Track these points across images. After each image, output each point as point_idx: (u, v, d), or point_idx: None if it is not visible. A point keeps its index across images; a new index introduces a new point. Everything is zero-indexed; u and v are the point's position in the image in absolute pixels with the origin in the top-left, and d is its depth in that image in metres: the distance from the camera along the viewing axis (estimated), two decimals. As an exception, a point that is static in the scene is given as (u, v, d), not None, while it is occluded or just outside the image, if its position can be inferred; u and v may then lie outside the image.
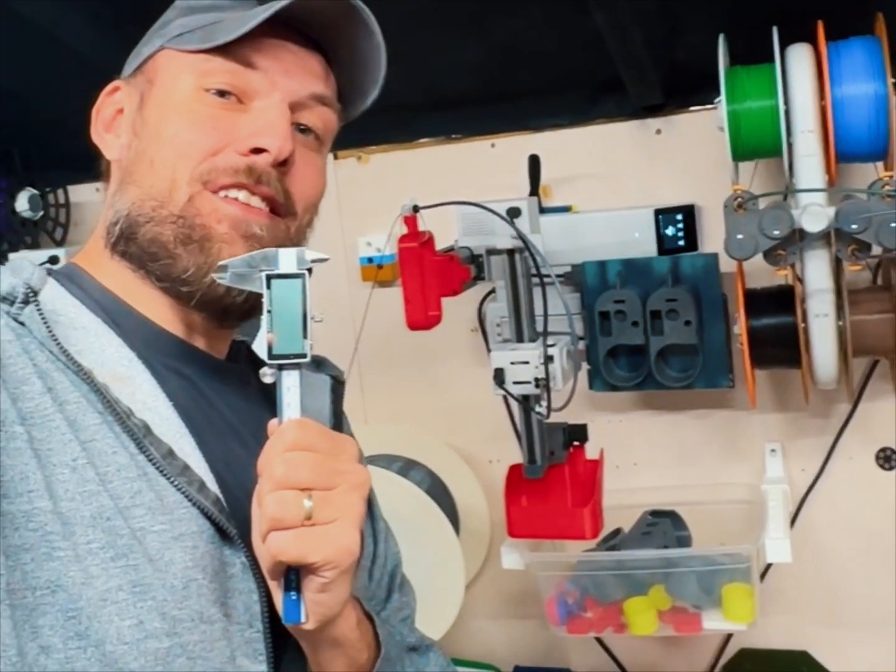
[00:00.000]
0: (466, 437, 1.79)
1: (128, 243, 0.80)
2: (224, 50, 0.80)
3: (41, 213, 1.78)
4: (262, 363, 0.90)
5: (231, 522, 0.74)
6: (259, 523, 0.68)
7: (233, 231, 0.78)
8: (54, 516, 0.67)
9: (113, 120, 0.85)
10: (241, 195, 0.79)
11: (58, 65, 1.62)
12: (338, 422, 0.89)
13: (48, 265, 0.83)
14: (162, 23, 0.86)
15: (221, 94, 0.80)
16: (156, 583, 0.68)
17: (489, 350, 1.66)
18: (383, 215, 1.39)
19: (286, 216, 0.81)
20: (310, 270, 0.71)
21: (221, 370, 0.85)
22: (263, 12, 0.78)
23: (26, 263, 0.79)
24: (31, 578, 0.66)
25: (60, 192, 1.84)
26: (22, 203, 1.75)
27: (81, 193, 1.90)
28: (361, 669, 0.79)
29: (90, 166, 1.99)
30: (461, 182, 1.69)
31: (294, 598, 0.69)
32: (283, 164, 0.79)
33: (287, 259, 0.71)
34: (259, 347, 0.71)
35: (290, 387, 0.71)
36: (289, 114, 0.80)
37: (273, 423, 0.71)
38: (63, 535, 0.67)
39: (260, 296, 0.72)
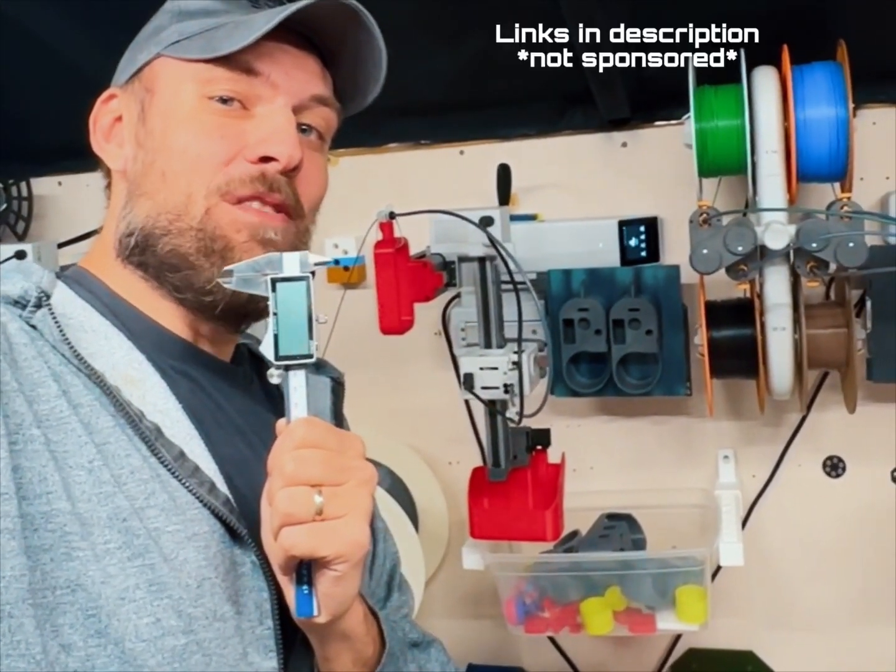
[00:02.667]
0: (427, 440, 1.82)
1: (144, 254, 0.81)
2: (224, 57, 0.80)
3: (3, 206, 1.76)
4: (262, 365, 0.92)
5: (241, 522, 0.75)
6: (270, 520, 0.70)
7: (251, 239, 0.79)
8: (73, 517, 0.68)
9: (111, 128, 0.85)
10: (255, 204, 0.80)
11: (24, 58, 1.60)
12: (339, 422, 0.91)
13: (55, 269, 0.83)
14: (155, 28, 0.85)
15: (224, 101, 0.81)
16: (171, 581, 0.70)
17: (452, 354, 1.69)
18: (351, 217, 1.40)
19: (296, 219, 0.83)
20: (313, 273, 0.73)
21: (227, 372, 0.87)
22: (266, 22, 0.78)
23: (35, 266, 0.80)
24: (51, 578, 0.67)
25: (23, 184, 1.82)
26: (-16, 195, 1.73)
27: (44, 186, 1.88)
28: (367, 663, 0.82)
29: (53, 160, 1.97)
30: (429, 187, 1.72)
31: (306, 592, 0.71)
32: (292, 170, 0.81)
33: (291, 263, 0.73)
34: (266, 349, 0.72)
35: (297, 387, 0.72)
36: (293, 118, 0.81)
37: (281, 422, 0.73)
38: (81, 536, 0.68)
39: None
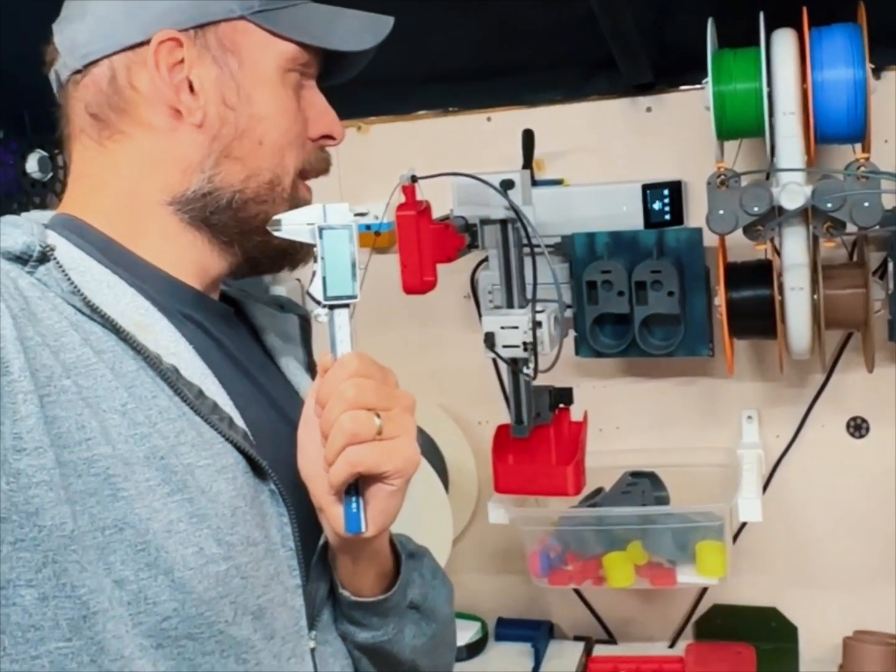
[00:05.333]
0: (457, 400, 1.86)
1: (223, 213, 0.85)
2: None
3: (50, 174, 1.82)
4: (238, 308, 0.97)
5: (260, 454, 0.81)
6: (329, 443, 0.75)
7: None
8: (115, 460, 0.72)
9: (172, 73, 0.83)
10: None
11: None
12: (310, 357, 0.99)
13: (40, 219, 0.83)
14: None
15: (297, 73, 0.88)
16: (210, 512, 0.75)
17: (481, 316, 1.73)
18: (381, 184, 1.44)
19: None
20: (354, 222, 0.80)
21: (225, 314, 0.92)
22: (363, 29, 0.91)
23: (22, 219, 0.80)
24: (99, 520, 0.71)
25: (67, 153, 1.89)
26: (32, 164, 1.80)
27: (88, 156, 1.95)
28: (387, 576, 0.89)
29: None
30: (457, 153, 1.76)
31: (355, 509, 0.77)
32: None
33: (335, 213, 0.80)
34: (315, 291, 0.79)
35: (342, 325, 0.79)
36: None
37: (328, 357, 0.79)
38: (124, 476, 0.72)
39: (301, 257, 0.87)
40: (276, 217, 0.80)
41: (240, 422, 0.81)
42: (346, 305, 0.79)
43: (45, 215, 0.85)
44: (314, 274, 0.79)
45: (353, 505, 0.77)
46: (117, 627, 0.71)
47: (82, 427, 0.72)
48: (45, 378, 0.71)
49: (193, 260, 0.87)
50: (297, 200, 0.87)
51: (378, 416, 0.75)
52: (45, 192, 1.84)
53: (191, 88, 0.83)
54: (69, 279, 0.77)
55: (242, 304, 0.98)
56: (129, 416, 0.74)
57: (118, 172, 0.85)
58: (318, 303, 0.79)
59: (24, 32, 1.63)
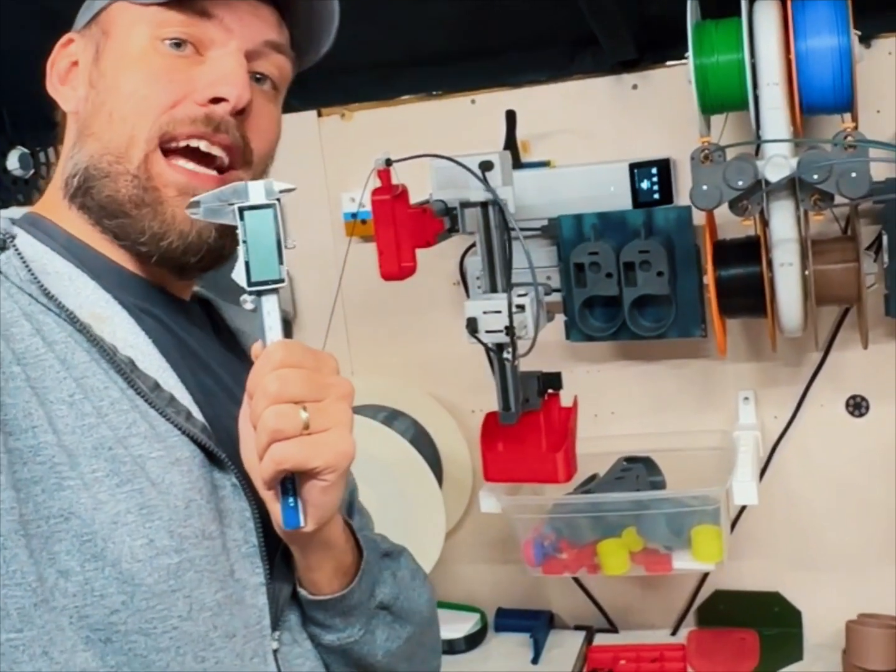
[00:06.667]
0: (449, 388, 1.84)
1: (85, 196, 0.82)
2: (178, 1, 0.81)
3: (32, 171, 1.81)
4: (210, 306, 0.94)
5: (220, 447, 0.78)
6: (256, 438, 0.72)
7: (180, 195, 0.80)
8: (59, 449, 0.71)
9: (68, 73, 0.86)
10: (202, 144, 0.81)
11: (48, 26, 1.64)
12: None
13: (13, 215, 0.84)
14: None
15: (177, 44, 0.82)
16: (160, 504, 0.73)
17: (470, 303, 1.71)
18: (366, 171, 1.41)
19: (242, 166, 0.84)
20: (278, 200, 0.75)
21: (185, 309, 0.90)
22: None
23: None
24: (44, 508, 0.70)
25: (51, 150, 1.88)
26: (13, 161, 1.79)
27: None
28: (347, 572, 0.85)
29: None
30: (442, 137, 1.71)
31: (292, 504, 0.74)
32: (240, 113, 0.82)
33: (256, 191, 0.75)
34: (238, 276, 0.75)
35: (270, 311, 0.75)
36: (245, 63, 0.82)
37: (257, 345, 0.75)
38: (70, 466, 0.71)
39: (213, 252, 0.80)
40: (193, 199, 0.76)
41: (198, 415, 0.79)
42: (275, 290, 0.75)
43: (18, 211, 0.86)
44: (238, 258, 0.75)
45: (290, 500, 0.74)
46: (59, 619, 0.70)
47: (29, 415, 0.71)
48: None
49: (127, 255, 0.84)
50: (146, 177, 0.80)
51: (305, 408, 0.71)
52: (27, 190, 1.83)
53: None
54: (27, 267, 0.77)
55: (217, 305, 0.97)
56: (76, 407, 0.73)
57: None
58: (243, 289, 0.75)
59: (1, 31, 1.62)
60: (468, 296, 1.74)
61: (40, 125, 1.85)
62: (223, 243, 0.82)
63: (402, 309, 1.82)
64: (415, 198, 1.38)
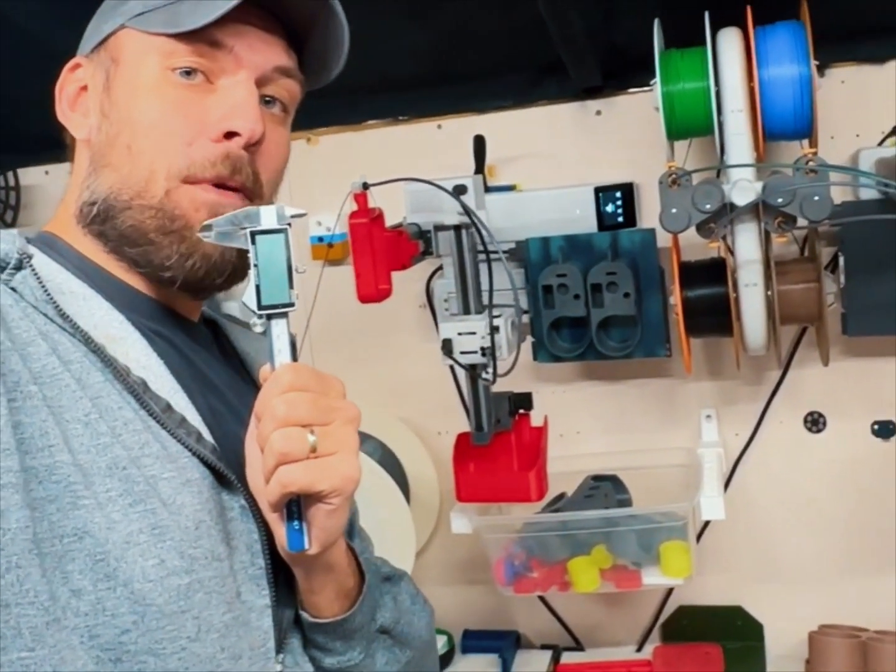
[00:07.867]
0: (416, 411, 1.85)
1: (104, 224, 0.83)
2: (188, 32, 0.81)
3: (-3, 194, 1.79)
4: (217, 328, 0.95)
5: (229, 469, 0.79)
6: (263, 461, 0.73)
7: (210, 216, 0.79)
8: (75, 468, 0.71)
9: (77, 97, 0.86)
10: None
11: (7, 45, 1.62)
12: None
13: (27, 234, 0.84)
14: None
15: (188, 73, 0.82)
16: (172, 525, 0.73)
17: (437, 325, 1.72)
18: (333, 195, 1.43)
19: (254, 199, 0.84)
20: (289, 225, 0.76)
21: (195, 331, 0.90)
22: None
23: (5, 231, 0.81)
24: (58, 527, 0.70)
25: (10, 174, 1.86)
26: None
27: (31, 176, 1.91)
28: (349, 595, 0.85)
29: (40, 149, 1.99)
30: (409, 162, 1.73)
31: (297, 527, 0.74)
32: (253, 145, 0.82)
33: (269, 215, 0.76)
34: (248, 300, 0.75)
35: (280, 334, 0.75)
36: (256, 91, 0.82)
37: (265, 369, 0.76)
38: (84, 485, 0.71)
39: (235, 272, 0.81)
40: (206, 223, 0.76)
41: (208, 437, 0.80)
42: (284, 314, 0.76)
43: (32, 230, 0.87)
44: (249, 282, 0.75)
45: (295, 523, 0.74)
46: (70, 638, 0.69)
47: (45, 434, 0.71)
48: (12, 383, 0.71)
49: (139, 279, 0.85)
50: (172, 208, 0.81)
51: (313, 432, 0.71)
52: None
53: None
54: (43, 287, 0.77)
55: (224, 327, 0.97)
56: (91, 427, 0.73)
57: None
58: (254, 312, 0.75)
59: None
60: (435, 319, 1.76)
61: (1, 148, 1.85)
62: (244, 263, 0.82)
63: (368, 332, 1.82)
64: (387, 220, 1.40)
